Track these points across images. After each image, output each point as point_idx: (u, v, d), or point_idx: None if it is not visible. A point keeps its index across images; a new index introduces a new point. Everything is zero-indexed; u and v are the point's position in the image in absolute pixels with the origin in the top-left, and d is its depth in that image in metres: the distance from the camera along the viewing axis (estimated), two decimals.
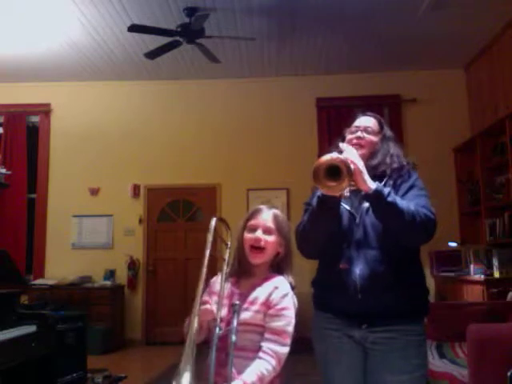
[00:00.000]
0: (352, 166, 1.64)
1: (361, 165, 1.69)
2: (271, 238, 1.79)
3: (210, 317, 1.65)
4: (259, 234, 1.78)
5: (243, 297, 1.75)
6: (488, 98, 5.99)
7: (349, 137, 1.96)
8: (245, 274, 1.81)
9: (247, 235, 1.80)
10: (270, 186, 6.61)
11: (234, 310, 1.64)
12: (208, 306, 1.65)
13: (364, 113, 2.04)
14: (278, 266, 1.83)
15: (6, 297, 3.37)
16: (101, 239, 6.73)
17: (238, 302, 1.67)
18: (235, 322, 1.62)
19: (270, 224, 1.80)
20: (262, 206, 1.86)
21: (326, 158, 1.64)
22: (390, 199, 1.68)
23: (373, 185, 1.69)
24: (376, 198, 1.69)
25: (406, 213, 1.67)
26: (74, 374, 3.88)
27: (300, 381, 4.27)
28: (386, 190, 1.70)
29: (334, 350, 1.82)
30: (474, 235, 6.07)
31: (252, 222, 1.81)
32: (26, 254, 6.63)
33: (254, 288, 1.76)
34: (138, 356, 6.12)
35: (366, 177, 1.69)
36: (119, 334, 6.38)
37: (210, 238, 1.70)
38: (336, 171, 1.62)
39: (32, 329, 3.26)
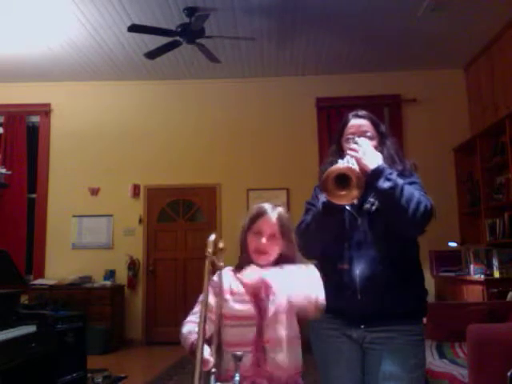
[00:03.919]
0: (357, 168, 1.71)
1: (361, 151, 1.78)
2: (275, 243, 1.73)
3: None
4: (264, 241, 1.71)
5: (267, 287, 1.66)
6: (488, 98, 5.98)
7: (347, 149, 1.88)
8: None
9: (251, 238, 1.73)
10: (270, 186, 6.61)
11: (236, 360, 1.54)
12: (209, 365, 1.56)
13: (354, 114, 1.96)
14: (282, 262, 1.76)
15: (6, 297, 3.37)
16: (101, 239, 6.73)
17: (240, 353, 1.55)
18: (237, 376, 1.53)
19: (275, 229, 1.72)
20: (266, 207, 1.77)
21: (334, 168, 1.69)
22: (392, 176, 1.74)
23: (374, 166, 1.76)
24: (378, 174, 1.74)
25: (405, 190, 1.71)
26: (74, 374, 3.88)
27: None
28: (388, 170, 1.76)
29: (333, 349, 1.82)
30: (474, 235, 6.06)
31: (257, 226, 1.73)
32: (26, 254, 6.63)
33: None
34: (138, 356, 6.12)
35: (367, 161, 1.76)
36: (119, 334, 6.38)
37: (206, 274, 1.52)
38: (345, 179, 1.66)
39: (32, 329, 3.26)
